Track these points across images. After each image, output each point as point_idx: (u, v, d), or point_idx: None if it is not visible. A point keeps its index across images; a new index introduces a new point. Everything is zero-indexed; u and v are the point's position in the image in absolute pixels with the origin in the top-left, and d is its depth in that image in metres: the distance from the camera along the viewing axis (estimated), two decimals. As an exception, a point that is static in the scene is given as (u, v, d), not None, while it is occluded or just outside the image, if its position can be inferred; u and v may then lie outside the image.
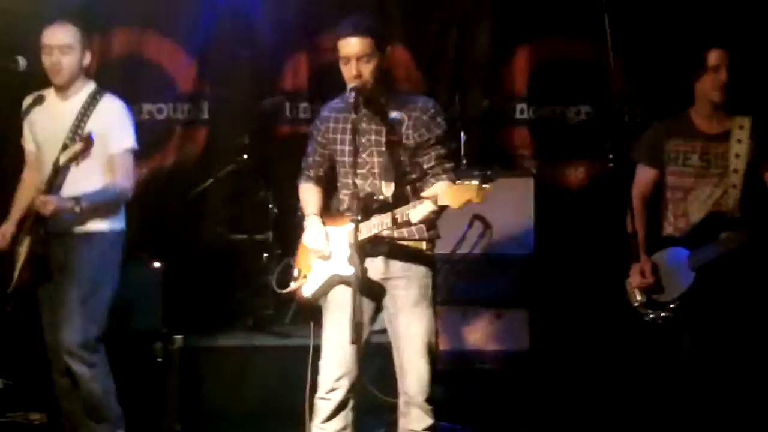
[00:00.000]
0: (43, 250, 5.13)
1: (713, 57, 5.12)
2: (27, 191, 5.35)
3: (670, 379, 5.28)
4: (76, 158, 4.96)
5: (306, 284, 4.77)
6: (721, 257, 5.01)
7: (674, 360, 5.24)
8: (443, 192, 4.15)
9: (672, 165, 5.25)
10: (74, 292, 5.16)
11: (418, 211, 4.27)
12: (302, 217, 4.81)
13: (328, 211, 4.82)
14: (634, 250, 5.22)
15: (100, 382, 5.25)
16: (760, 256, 5.06)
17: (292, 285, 4.86)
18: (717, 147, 5.14)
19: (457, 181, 4.13)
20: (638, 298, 5.22)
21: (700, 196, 5.18)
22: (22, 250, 5.14)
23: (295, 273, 4.85)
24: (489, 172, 4.12)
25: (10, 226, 5.30)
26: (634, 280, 5.22)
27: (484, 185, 4.06)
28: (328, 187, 4.90)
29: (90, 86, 5.28)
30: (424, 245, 4.67)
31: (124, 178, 5.26)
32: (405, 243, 4.64)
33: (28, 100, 5.30)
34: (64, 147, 5.07)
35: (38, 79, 5.30)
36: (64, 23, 5.18)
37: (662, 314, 5.13)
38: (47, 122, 5.21)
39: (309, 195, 4.88)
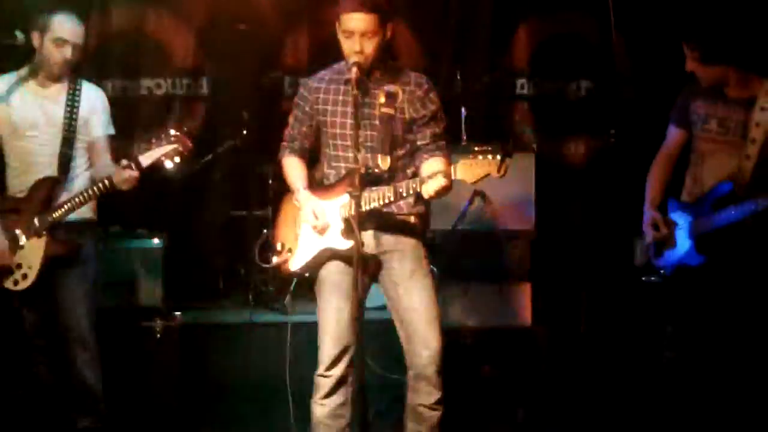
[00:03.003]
0: (61, 251, 5.12)
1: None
2: None
3: (666, 350, 5.26)
4: (171, 157, 4.95)
5: (293, 258, 4.75)
6: (722, 228, 4.93)
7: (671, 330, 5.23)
8: (460, 166, 4.16)
9: (694, 128, 5.05)
10: (83, 283, 5.20)
11: (429, 187, 4.23)
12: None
13: (310, 183, 4.81)
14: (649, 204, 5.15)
15: (94, 369, 5.26)
16: (762, 232, 4.96)
17: (275, 259, 4.85)
18: (738, 113, 4.89)
19: (475, 156, 4.12)
20: (644, 258, 5.18)
21: (714, 163, 4.97)
22: (36, 245, 5.08)
23: (278, 247, 4.83)
24: (508, 147, 4.10)
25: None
26: (648, 235, 5.12)
27: (505, 159, 4.06)
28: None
29: None
30: (412, 219, 4.67)
31: (111, 163, 5.22)
32: (394, 217, 4.63)
33: (2, 83, 5.20)
34: (66, 138, 5.12)
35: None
36: (77, 19, 5.15)
37: (651, 278, 5.11)
38: (32, 108, 5.15)
39: (296, 169, 4.84)
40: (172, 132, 4.97)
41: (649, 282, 5.18)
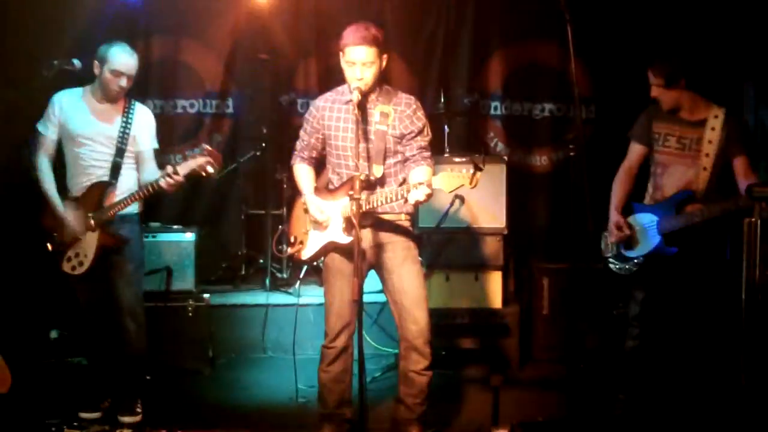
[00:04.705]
0: (113, 242, 5.17)
1: (649, 76, 5.12)
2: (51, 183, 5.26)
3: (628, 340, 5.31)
4: (204, 168, 5.02)
5: (303, 249, 4.81)
6: (684, 227, 5.02)
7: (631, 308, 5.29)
8: (439, 178, 4.24)
9: (656, 144, 5.21)
10: (130, 265, 5.25)
11: (414, 194, 4.31)
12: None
13: (317, 187, 4.87)
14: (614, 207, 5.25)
15: (141, 337, 5.33)
16: (717, 231, 5.06)
17: (289, 249, 4.91)
18: (693, 132, 5.08)
19: (452, 169, 4.19)
20: (611, 250, 5.25)
21: (674, 173, 5.14)
22: (91, 238, 5.13)
23: (291, 239, 4.90)
24: (479, 161, 4.16)
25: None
26: (613, 234, 5.23)
27: (476, 173, 4.11)
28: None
29: None
30: (402, 217, 4.73)
31: (156, 169, 5.30)
32: (387, 216, 4.69)
33: (67, 99, 5.23)
34: (119, 149, 5.16)
35: (87, 79, 5.28)
36: (131, 51, 5.18)
37: (626, 266, 5.17)
38: (90, 122, 5.18)
39: (304, 175, 4.91)
40: (206, 147, 5.04)
41: (619, 271, 5.22)
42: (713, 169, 5.03)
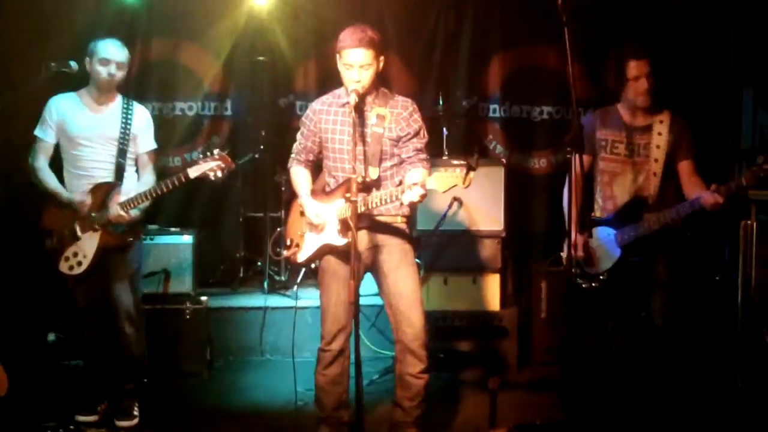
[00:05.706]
0: (116, 244, 5.19)
1: (632, 68, 5.00)
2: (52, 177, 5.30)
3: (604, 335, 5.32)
4: (215, 172, 5.06)
5: (299, 252, 4.82)
6: (643, 236, 5.00)
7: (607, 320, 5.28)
8: (433, 178, 4.25)
9: (602, 151, 5.19)
10: (129, 268, 5.29)
11: (408, 195, 4.31)
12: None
13: (314, 190, 4.87)
14: (573, 226, 5.14)
15: (140, 342, 5.35)
16: (676, 235, 5.07)
17: (285, 252, 4.92)
18: (640, 138, 5.07)
19: (446, 170, 4.21)
20: (573, 270, 5.17)
21: (625, 181, 5.13)
22: (92, 238, 5.15)
23: (288, 242, 4.91)
24: (472, 162, 4.16)
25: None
26: (579, 254, 5.12)
27: (469, 173, 4.12)
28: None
29: (118, 94, 5.33)
30: (399, 219, 4.74)
31: (154, 172, 5.38)
32: (383, 218, 4.70)
33: (63, 101, 5.26)
34: (121, 149, 5.20)
35: (85, 80, 5.30)
36: (120, 43, 5.23)
37: (593, 284, 5.12)
38: (88, 122, 5.21)
39: (301, 178, 4.91)
40: (217, 152, 5.08)
41: (587, 287, 5.18)
42: (663, 174, 5.02)
